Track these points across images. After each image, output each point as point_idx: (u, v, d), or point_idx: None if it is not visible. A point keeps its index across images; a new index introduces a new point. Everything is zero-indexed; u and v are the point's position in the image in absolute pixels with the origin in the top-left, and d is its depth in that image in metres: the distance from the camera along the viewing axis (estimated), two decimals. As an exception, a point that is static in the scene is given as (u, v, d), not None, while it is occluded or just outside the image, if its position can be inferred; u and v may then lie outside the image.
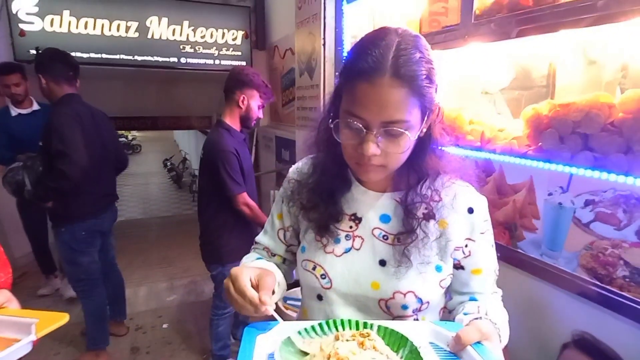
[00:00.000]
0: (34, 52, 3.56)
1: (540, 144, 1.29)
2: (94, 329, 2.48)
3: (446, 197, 0.78)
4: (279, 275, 0.86)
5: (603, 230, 1.17)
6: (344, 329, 0.68)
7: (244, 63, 4.51)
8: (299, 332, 0.68)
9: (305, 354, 0.63)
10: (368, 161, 0.70)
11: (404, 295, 0.75)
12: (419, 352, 0.60)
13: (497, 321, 0.73)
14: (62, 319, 0.71)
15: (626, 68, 1.12)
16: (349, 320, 0.70)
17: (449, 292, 0.85)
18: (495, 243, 1.33)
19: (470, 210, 0.78)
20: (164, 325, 2.98)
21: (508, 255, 1.31)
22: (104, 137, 2.41)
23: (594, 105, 1.16)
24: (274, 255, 0.94)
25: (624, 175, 1.09)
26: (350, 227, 0.81)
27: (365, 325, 0.68)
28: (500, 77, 1.46)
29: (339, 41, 2.97)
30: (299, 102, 3.54)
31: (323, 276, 0.80)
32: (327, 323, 0.70)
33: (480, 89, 1.50)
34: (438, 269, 0.77)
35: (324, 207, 0.81)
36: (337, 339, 0.64)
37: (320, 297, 0.81)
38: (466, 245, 0.79)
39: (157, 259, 4.31)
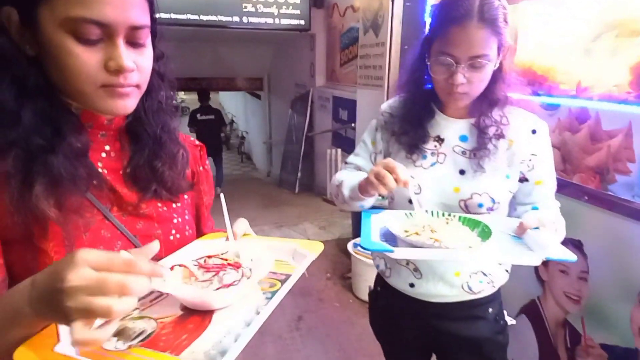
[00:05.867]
0: None
1: (640, 91, 1.32)
2: None
3: (513, 120, 0.96)
4: None
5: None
6: (433, 216, 0.91)
7: (302, 22, 4.55)
8: (405, 214, 0.90)
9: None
10: (457, 90, 0.88)
11: (480, 195, 0.94)
12: (490, 229, 0.79)
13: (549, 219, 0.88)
14: (319, 248, 0.68)
15: None
16: (437, 211, 0.92)
17: (514, 205, 1.02)
18: (584, 187, 1.42)
19: (534, 132, 0.96)
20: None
21: (598, 198, 1.38)
22: None
23: None
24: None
25: None
26: (435, 146, 1.00)
27: (449, 214, 0.90)
28: (598, 25, 1.47)
29: (408, -4, 2.96)
30: (361, 60, 3.57)
31: (414, 184, 0.98)
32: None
33: (578, 37, 1.52)
34: (507, 176, 0.97)
35: (413, 132, 1.00)
36: None
37: (410, 201, 0.94)
38: (530, 160, 0.96)
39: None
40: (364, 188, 0.90)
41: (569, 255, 0.72)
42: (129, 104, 0.56)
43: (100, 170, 0.59)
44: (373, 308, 1.21)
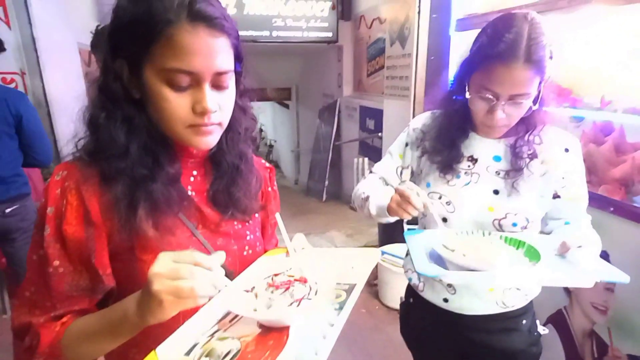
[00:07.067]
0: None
1: (665, 104, 1.33)
2: None
3: (546, 140, 0.97)
4: None
5: None
6: (472, 235, 0.93)
7: (330, 34, 4.67)
8: (449, 234, 0.91)
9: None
10: (496, 123, 0.90)
11: (515, 215, 0.95)
12: (535, 249, 0.81)
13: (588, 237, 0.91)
14: (377, 255, 0.70)
15: None
16: (478, 230, 0.95)
17: (545, 220, 1.02)
18: (609, 198, 1.44)
19: (567, 150, 0.97)
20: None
21: (623, 209, 1.39)
22: None
23: None
24: (387, 185, 1.13)
25: None
26: (468, 166, 1.01)
27: (489, 233, 0.93)
28: (623, 38, 1.48)
29: (434, 8, 3.01)
30: (388, 71, 3.64)
31: (448, 203, 1.00)
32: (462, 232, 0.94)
33: (602, 51, 1.54)
34: (541, 196, 0.97)
35: (447, 152, 1.01)
36: None
37: (445, 220, 1.00)
38: (563, 178, 0.96)
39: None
40: (392, 210, 0.92)
41: (622, 277, 0.72)
42: (210, 140, 0.63)
43: (189, 192, 0.67)
44: (405, 318, 1.23)
